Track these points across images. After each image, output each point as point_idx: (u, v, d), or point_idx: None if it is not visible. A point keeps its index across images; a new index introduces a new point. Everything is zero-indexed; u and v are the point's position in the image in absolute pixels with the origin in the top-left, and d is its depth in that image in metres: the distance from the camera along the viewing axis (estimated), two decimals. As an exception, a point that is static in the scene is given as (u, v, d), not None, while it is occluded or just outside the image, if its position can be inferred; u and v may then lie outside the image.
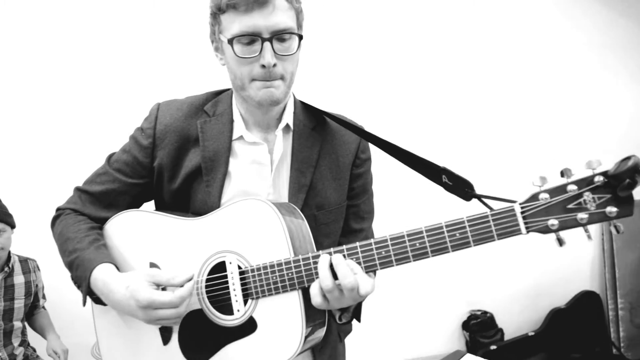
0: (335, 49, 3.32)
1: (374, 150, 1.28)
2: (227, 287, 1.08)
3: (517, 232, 0.83)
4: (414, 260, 0.90)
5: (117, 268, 1.11)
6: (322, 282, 0.95)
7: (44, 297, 2.62)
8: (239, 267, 1.07)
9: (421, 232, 0.89)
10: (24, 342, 2.46)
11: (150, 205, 1.30)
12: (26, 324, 2.51)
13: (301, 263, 1.00)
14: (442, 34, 3.53)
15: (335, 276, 0.94)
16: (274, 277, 1.02)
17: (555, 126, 3.74)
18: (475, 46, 3.58)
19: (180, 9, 3.03)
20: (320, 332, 1.09)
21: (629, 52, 3.89)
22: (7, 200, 2.39)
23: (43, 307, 2.63)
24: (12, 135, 2.85)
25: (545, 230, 0.82)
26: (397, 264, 0.91)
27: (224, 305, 1.09)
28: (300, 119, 1.23)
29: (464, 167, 3.73)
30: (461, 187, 0.96)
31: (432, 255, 0.88)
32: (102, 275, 1.07)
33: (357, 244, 0.95)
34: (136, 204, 1.27)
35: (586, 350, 3.54)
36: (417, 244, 0.89)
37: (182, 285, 1.04)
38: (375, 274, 1.30)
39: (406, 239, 0.90)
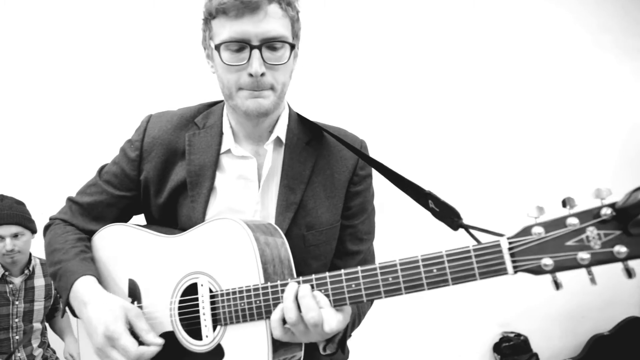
0: (332, 54, 3.27)
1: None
2: (198, 311, 1.01)
3: (503, 271, 0.70)
4: (386, 297, 0.79)
5: (99, 280, 1.08)
6: (286, 314, 0.86)
7: None
8: (210, 291, 1.00)
9: (395, 266, 0.78)
10: (44, 344, 2.54)
11: (140, 218, 1.27)
12: (47, 325, 2.58)
13: (269, 291, 0.91)
14: (439, 43, 3.42)
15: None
16: (242, 304, 0.94)
17: (561, 139, 3.51)
18: (472, 54, 3.45)
19: (182, 13, 3.05)
20: None
21: (631, 52, 3.59)
22: (32, 206, 2.47)
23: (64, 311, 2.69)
24: (39, 144, 2.96)
25: (538, 270, 0.69)
26: (367, 299, 0.80)
27: (195, 329, 1.03)
28: (295, 132, 1.16)
29: (461, 178, 3.53)
30: (448, 215, 0.84)
31: (406, 292, 0.77)
32: (82, 288, 1.05)
33: (327, 274, 0.85)
34: (124, 217, 1.25)
35: (630, 383, 3.24)
36: (390, 279, 0.78)
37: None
38: (371, 303, 1.19)
39: (378, 272, 0.79)
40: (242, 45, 0.98)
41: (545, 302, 3.40)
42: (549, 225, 0.69)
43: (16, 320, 2.37)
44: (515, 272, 0.70)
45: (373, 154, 1.23)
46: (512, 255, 0.70)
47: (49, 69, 2.97)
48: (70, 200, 1.25)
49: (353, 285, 0.82)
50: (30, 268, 2.47)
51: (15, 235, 2.33)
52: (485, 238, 0.76)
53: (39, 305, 2.47)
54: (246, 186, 1.13)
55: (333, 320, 0.82)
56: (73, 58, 3.01)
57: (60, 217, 1.23)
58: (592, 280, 0.68)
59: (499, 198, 3.39)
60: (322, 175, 1.14)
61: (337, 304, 0.84)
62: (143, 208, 1.23)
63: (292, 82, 1.12)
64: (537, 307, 3.39)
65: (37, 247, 2.48)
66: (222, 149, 1.14)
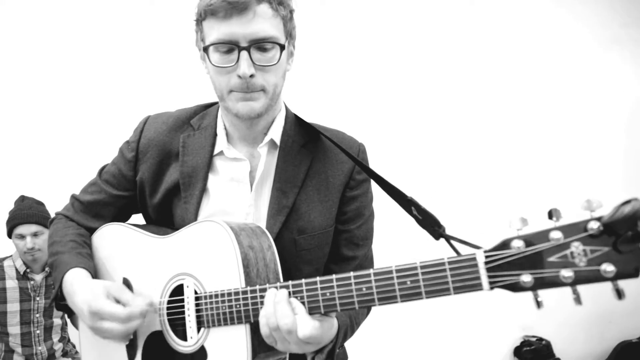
0: (329, 54, 3.25)
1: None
2: (184, 312, 1.01)
3: (478, 287, 0.65)
4: (360, 307, 0.75)
5: (93, 275, 1.10)
6: (267, 319, 0.84)
7: None
8: (195, 292, 1.00)
9: (369, 276, 0.74)
10: (64, 339, 2.64)
11: (140, 217, 1.29)
12: (68, 320, 2.68)
13: (249, 296, 0.90)
14: (436, 40, 3.35)
15: None
16: (224, 307, 0.94)
17: (559, 139, 3.35)
18: (468, 54, 3.36)
19: (183, 13, 3.06)
20: None
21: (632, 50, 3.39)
22: (52, 206, 2.55)
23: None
24: (55, 143, 3.08)
25: (516, 287, 0.64)
26: (341, 309, 0.77)
27: (182, 330, 1.04)
28: (290, 134, 1.14)
29: (455, 174, 3.40)
30: (429, 223, 0.79)
31: (379, 304, 0.73)
32: (71, 278, 1.07)
33: (303, 281, 0.83)
34: (123, 216, 1.27)
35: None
36: (364, 289, 0.75)
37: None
38: (367, 312, 1.16)
39: (352, 281, 0.76)
40: (230, 46, 0.97)
41: (569, 305, 3.22)
42: (530, 239, 0.64)
43: (37, 315, 2.48)
44: (492, 288, 0.65)
45: (370, 154, 1.20)
46: (488, 270, 0.65)
47: (66, 73, 3.11)
48: (73, 197, 1.28)
49: (327, 294, 0.79)
50: None
51: (35, 234, 2.44)
52: (467, 250, 0.71)
53: None
54: (238, 188, 1.12)
55: (307, 326, 0.80)
56: (85, 63, 3.14)
57: (64, 213, 1.27)
58: (577, 300, 0.63)
59: (494, 199, 3.28)
60: (316, 179, 1.12)
61: (313, 311, 0.82)
62: (140, 208, 1.25)
63: (288, 82, 1.10)
64: (561, 311, 3.24)
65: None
66: (215, 151, 1.14)
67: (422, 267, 0.69)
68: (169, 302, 1.05)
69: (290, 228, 1.09)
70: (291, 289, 0.84)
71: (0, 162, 3.02)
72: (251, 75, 0.97)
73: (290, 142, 1.12)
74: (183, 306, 1.02)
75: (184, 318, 1.02)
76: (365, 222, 1.19)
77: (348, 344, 1.18)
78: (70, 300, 1.07)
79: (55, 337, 2.57)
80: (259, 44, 0.97)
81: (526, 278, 0.63)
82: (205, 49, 1.00)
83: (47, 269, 2.55)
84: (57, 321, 2.56)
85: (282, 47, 1.00)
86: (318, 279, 0.81)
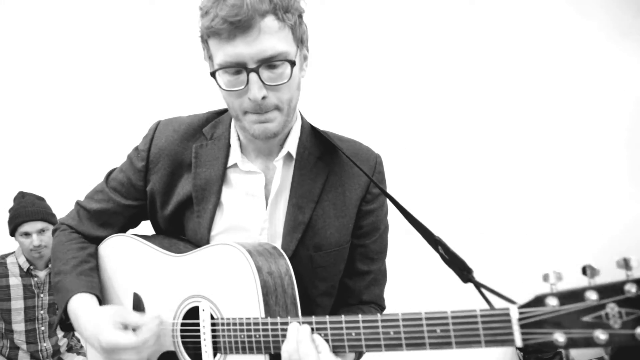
0: (330, 55, 3.20)
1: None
2: (199, 336, 1.01)
3: (510, 342, 0.65)
4: (386, 350, 0.75)
5: (98, 296, 1.09)
6: (290, 356, 0.84)
7: None
8: (212, 317, 0.99)
9: (397, 320, 0.74)
10: (68, 333, 2.64)
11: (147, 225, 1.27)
12: None
13: (269, 327, 0.90)
14: (433, 36, 3.30)
15: None
16: (242, 336, 0.93)
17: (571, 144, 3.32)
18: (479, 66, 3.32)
19: (181, 11, 3.03)
20: None
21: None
22: (52, 201, 2.55)
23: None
24: (56, 138, 3.05)
25: (549, 345, 0.64)
26: (367, 350, 0.77)
27: (196, 352, 1.03)
28: (306, 146, 1.11)
29: (466, 180, 3.36)
30: (457, 265, 0.79)
31: (407, 349, 0.73)
32: (75, 307, 1.05)
33: (327, 318, 0.83)
34: (132, 224, 1.25)
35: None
36: (392, 332, 0.75)
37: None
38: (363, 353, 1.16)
39: (380, 324, 0.76)
40: (238, 68, 0.93)
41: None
42: (564, 297, 0.63)
43: (41, 312, 2.47)
44: (524, 344, 0.65)
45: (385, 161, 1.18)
46: (522, 326, 0.65)
47: (62, 70, 3.07)
48: (78, 204, 1.24)
49: (353, 334, 0.79)
50: None
51: (41, 231, 2.42)
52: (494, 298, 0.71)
53: None
54: (253, 203, 1.10)
55: None
56: (81, 58, 3.09)
57: (68, 223, 1.23)
58: (608, 356, 0.63)
59: (495, 192, 3.31)
60: (333, 193, 1.10)
61: (337, 350, 0.82)
62: (149, 217, 1.23)
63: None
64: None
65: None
66: (229, 163, 1.11)
67: (453, 317, 0.69)
68: (182, 324, 1.05)
69: (307, 244, 1.08)
70: (314, 325, 0.83)
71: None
72: (263, 97, 0.93)
73: (307, 155, 1.10)
74: (197, 330, 1.01)
75: (198, 341, 1.01)
76: (381, 236, 1.18)
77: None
78: (77, 328, 1.06)
79: (60, 333, 2.57)
80: (268, 63, 0.92)
81: (560, 337, 0.63)
82: (213, 74, 0.96)
83: (50, 265, 2.54)
84: (61, 317, 2.57)
85: (293, 63, 0.94)
86: (343, 317, 0.80)
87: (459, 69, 3.36)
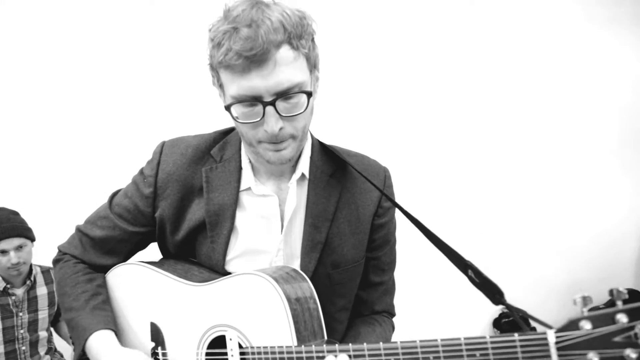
0: (330, 56, 3.18)
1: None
2: (227, 365, 1.02)
3: (548, 365, 0.70)
4: (427, 377, 0.79)
5: (114, 330, 1.08)
6: None
7: None
8: (240, 346, 1.00)
9: (437, 346, 0.78)
10: (50, 350, 2.54)
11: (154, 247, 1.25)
12: (53, 330, 2.58)
13: (304, 355, 0.91)
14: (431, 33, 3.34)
15: None
16: (275, 365, 0.94)
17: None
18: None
19: (181, 12, 2.94)
20: None
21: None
22: (25, 213, 2.42)
23: None
24: (26, 148, 2.88)
25: (583, 365, 0.69)
26: (407, 377, 0.80)
27: (220, 382, 1.04)
28: (318, 165, 1.12)
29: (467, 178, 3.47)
30: (488, 289, 0.83)
31: (448, 375, 0.77)
32: (94, 347, 1.04)
33: (365, 346, 0.85)
34: (138, 249, 1.23)
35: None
36: (431, 358, 0.78)
37: None
38: None
39: (419, 350, 0.79)
40: (253, 102, 0.92)
41: (544, 278, 3.49)
42: (597, 320, 0.69)
43: (21, 331, 2.37)
44: (561, 365, 0.70)
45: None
46: (558, 349, 0.70)
47: (64, 73, 2.92)
48: (80, 231, 1.19)
49: (392, 361, 0.82)
50: (32, 278, 2.44)
51: (19, 247, 2.30)
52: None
53: (43, 314, 2.46)
54: (269, 226, 1.10)
55: None
56: (71, 61, 2.92)
57: (71, 253, 1.19)
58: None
59: (497, 186, 3.44)
60: (346, 210, 1.12)
61: (375, 377, 0.85)
62: (158, 242, 1.21)
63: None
64: (537, 283, 3.49)
65: (37, 255, 2.44)
66: (242, 187, 1.10)
67: (492, 342, 0.73)
68: (207, 353, 1.05)
69: (324, 263, 1.10)
70: (352, 353, 0.86)
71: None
72: (280, 129, 0.93)
73: (319, 174, 1.11)
74: (225, 359, 1.02)
75: None
76: (391, 247, 1.23)
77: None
78: None
79: (42, 350, 2.47)
80: (285, 96, 0.91)
81: (594, 357, 0.68)
82: (227, 108, 0.94)
83: (28, 282, 2.41)
84: (42, 334, 2.46)
85: (309, 95, 0.95)
86: (382, 345, 0.83)
87: (459, 69, 3.39)
